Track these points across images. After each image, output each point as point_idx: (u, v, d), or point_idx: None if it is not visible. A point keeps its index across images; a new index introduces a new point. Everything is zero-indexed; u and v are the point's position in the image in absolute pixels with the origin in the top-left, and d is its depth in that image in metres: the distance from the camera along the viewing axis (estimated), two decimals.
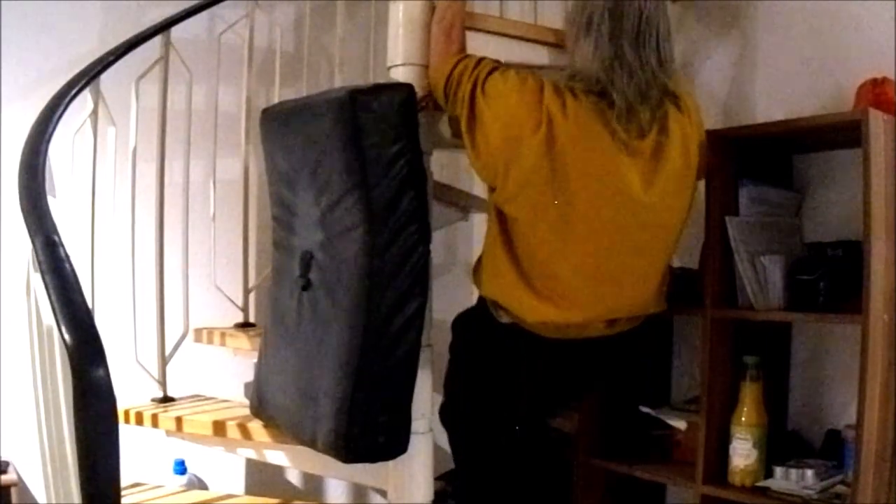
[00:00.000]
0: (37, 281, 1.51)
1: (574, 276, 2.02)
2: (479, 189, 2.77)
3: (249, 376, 2.46)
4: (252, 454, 2.58)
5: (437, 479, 2.22)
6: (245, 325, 2.93)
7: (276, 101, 2.82)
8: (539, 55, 2.37)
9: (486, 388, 2.18)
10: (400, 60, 2.13)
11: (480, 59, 2.05)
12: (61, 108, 2.10)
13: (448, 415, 2.28)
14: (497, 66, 2.04)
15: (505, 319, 2.11)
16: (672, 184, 2.02)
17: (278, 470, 3.14)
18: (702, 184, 2.32)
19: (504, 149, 1.96)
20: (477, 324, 2.21)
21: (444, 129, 2.18)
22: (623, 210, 1.98)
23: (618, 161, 1.95)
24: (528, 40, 2.32)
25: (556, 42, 2.38)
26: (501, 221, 2.05)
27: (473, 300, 2.25)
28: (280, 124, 2.20)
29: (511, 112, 1.96)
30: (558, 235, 1.99)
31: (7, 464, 2.81)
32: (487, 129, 1.97)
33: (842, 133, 2.18)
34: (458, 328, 2.29)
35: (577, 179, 1.95)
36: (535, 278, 2.03)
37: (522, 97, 1.96)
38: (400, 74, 2.12)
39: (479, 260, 2.16)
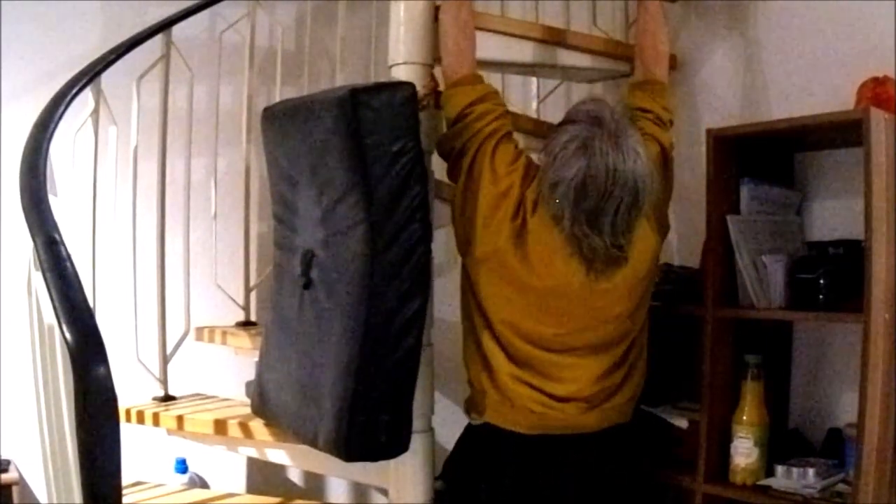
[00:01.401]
0: (38, 280, 1.51)
1: (533, 348, 2.03)
2: None
3: (250, 375, 2.46)
4: (253, 453, 2.59)
5: (437, 478, 2.22)
6: (246, 324, 2.93)
7: (277, 99, 2.82)
8: (540, 54, 2.37)
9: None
10: (401, 59, 2.14)
11: (505, 112, 2.11)
12: (62, 107, 2.10)
13: None
14: (511, 131, 2.11)
15: (477, 421, 2.12)
16: (629, 278, 2.02)
17: (279, 469, 3.14)
18: (703, 182, 2.32)
19: (486, 215, 2.01)
20: (459, 452, 2.20)
21: (444, 128, 2.18)
22: (575, 302, 2.01)
23: (569, 260, 1.96)
24: (529, 39, 2.33)
25: (557, 41, 2.38)
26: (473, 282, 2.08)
27: None
28: (281, 123, 2.20)
29: (504, 189, 2.01)
30: (513, 307, 2.03)
31: (8, 462, 2.81)
32: (481, 188, 2.02)
33: (843, 132, 2.18)
34: (446, 471, 2.25)
35: (534, 267, 1.98)
36: (499, 335, 2.05)
37: (519, 182, 2.02)
38: (401, 73, 2.12)
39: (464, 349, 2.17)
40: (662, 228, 2.14)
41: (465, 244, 2.07)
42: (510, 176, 2.03)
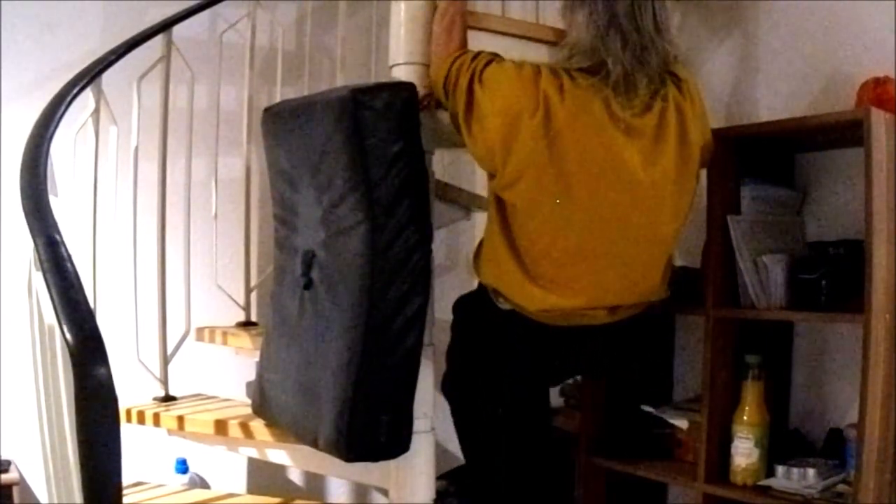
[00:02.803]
0: (38, 280, 1.51)
1: (574, 263, 2.00)
2: (481, 188, 2.77)
3: (251, 375, 2.46)
4: (254, 453, 2.58)
5: (438, 478, 2.22)
6: (247, 324, 2.93)
7: (277, 99, 2.82)
8: (540, 54, 2.37)
9: (485, 367, 2.16)
10: (402, 59, 2.13)
11: (478, 53, 2.04)
12: (63, 108, 2.10)
13: (448, 388, 2.27)
14: (494, 57, 2.03)
15: (505, 306, 2.10)
16: (673, 163, 1.98)
17: (280, 469, 3.14)
18: (704, 182, 2.32)
19: (502, 134, 1.94)
20: (477, 307, 2.19)
21: (445, 128, 2.18)
22: (623, 192, 1.96)
23: (616, 141, 1.92)
24: (529, 39, 2.32)
25: (558, 41, 2.38)
26: (501, 209, 2.03)
27: None
28: (282, 123, 2.20)
29: (508, 98, 1.94)
30: (557, 221, 1.97)
31: (9, 463, 2.81)
32: (485, 116, 1.96)
33: (843, 132, 2.18)
34: (459, 310, 2.27)
35: (575, 162, 1.92)
36: (534, 266, 2.01)
37: (519, 83, 1.94)
38: (402, 73, 2.12)
39: (479, 246, 2.16)
40: (705, 152, 2.11)
41: (497, 180, 2.01)
42: (503, 87, 1.95)
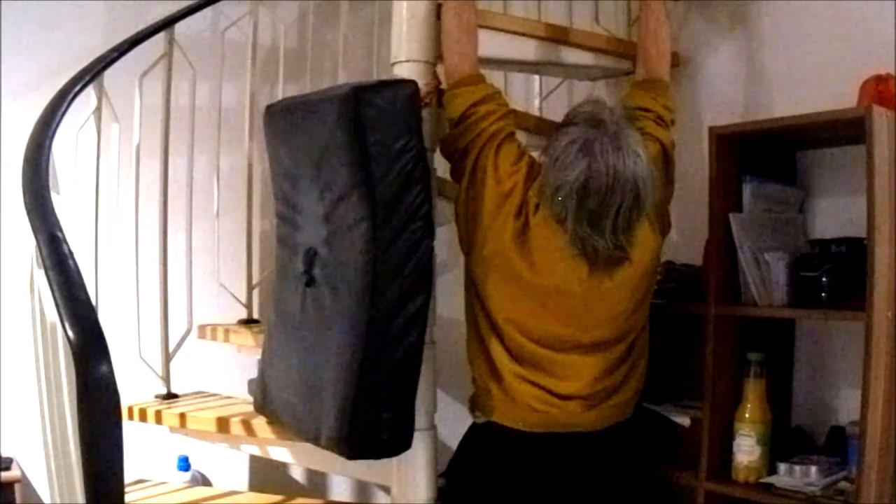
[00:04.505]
0: (40, 277, 1.51)
1: (537, 347, 2.03)
2: None
3: (253, 373, 2.46)
4: (256, 451, 2.59)
5: (440, 475, 2.22)
6: (249, 322, 2.93)
7: (279, 97, 2.81)
8: (542, 51, 2.37)
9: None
10: (403, 57, 2.13)
11: (508, 112, 2.11)
12: (65, 105, 2.11)
13: None
14: (514, 131, 2.12)
15: (481, 420, 2.12)
16: (630, 277, 2.02)
17: (282, 466, 3.14)
18: (705, 180, 2.32)
19: (490, 215, 2.01)
20: (463, 451, 2.20)
21: (447, 128, 2.18)
22: (579, 298, 2.00)
23: (574, 260, 1.97)
24: (531, 36, 2.33)
25: (559, 39, 2.38)
26: (477, 292, 2.09)
27: None
28: (284, 121, 2.20)
29: (508, 189, 2.02)
30: (519, 306, 2.02)
31: (10, 460, 2.82)
32: (485, 188, 2.03)
33: (845, 130, 2.18)
34: (450, 471, 2.23)
35: (540, 266, 1.98)
36: (504, 338, 2.05)
37: (522, 181, 2.02)
38: (404, 71, 2.12)
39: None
40: (664, 228, 2.14)
41: (469, 244, 2.07)
42: (513, 176, 2.03)
